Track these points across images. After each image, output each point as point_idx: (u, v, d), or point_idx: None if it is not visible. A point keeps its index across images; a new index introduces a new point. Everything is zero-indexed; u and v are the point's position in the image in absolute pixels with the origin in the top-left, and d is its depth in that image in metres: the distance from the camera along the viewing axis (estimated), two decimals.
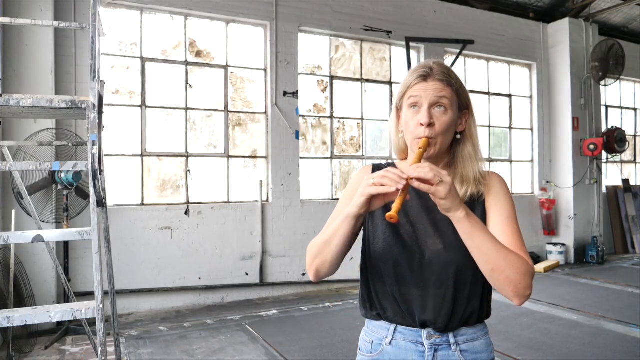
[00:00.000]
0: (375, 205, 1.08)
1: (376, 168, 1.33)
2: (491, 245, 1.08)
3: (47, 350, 3.81)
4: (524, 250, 1.16)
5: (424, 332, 1.21)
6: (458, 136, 1.25)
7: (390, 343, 1.24)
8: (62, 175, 4.03)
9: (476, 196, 1.23)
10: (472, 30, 7.10)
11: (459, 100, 1.22)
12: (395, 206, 1.01)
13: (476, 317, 1.22)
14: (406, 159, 1.33)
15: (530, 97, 7.92)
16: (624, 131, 8.04)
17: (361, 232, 1.30)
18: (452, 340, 1.21)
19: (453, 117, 1.20)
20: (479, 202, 1.23)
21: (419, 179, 1.01)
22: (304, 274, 5.79)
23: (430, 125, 1.17)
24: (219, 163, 5.56)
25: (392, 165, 1.36)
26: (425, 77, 1.19)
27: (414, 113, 1.20)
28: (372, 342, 1.27)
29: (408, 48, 6.57)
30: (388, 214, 1.00)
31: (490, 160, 7.53)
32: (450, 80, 1.20)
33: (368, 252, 1.27)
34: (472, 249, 1.10)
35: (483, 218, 1.22)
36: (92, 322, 3.78)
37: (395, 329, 1.23)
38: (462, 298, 1.19)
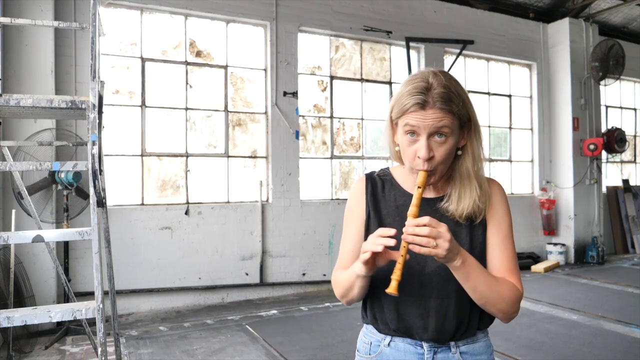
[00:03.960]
0: (380, 263, 1.10)
1: (369, 179, 1.29)
2: (485, 285, 1.12)
3: (47, 350, 3.81)
4: (516, 272, 1.19)
5: None
6: (459, 152, 1.18)
7: (389, 345, 1.23)
8: (62, 175, 4.03)
9: (475, 215, 1.19)
10: (472, 30, 7.10)
11: (461, 121, 1.14)
12: (394, 279, 1.04)
13: (477, 327, 1.22)
14: (403, 164, 1.27)
15: (530, 97, 7.92)
16: (624, 131, 8.04)
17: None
18: (451, 342, 1.20)
19: (454, 142, 1.13)
20: (480, 223, 1.21)
21: (417, 243, 1.03)
22: (304, 274, 5.79)
23: (430, 158, 1.11)
24: (219, 163, 5.56)
25: (387, 171, 1.31)
26: (423, 105, 1.09)
27: (412, 141, 1.12)
28: (371, 343, 1.26)
29: (408, 48, 6.57)
30: (387, 290, 1.03)
31: (490, 160, 7.53)
32: (452, 106, 1.10)
33: None
34: (466, 288, 1.13)
35: (484, 235, 1.21)
36: (92, 322, 3.78)
37: None
38: (463, 312, 1.18)
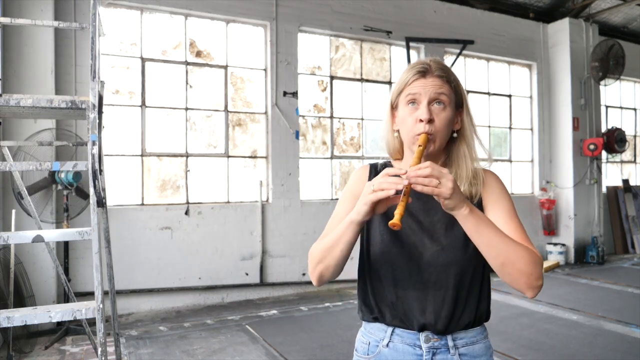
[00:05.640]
0: (379, 210, 1.09)
1: (373, 168, 1.32)
2: (499, 239, 1.07)
3: (47, 350, 3.81)
4: (529, 242, 1.15)
5: (422, 335, 1.19)
6: (454, 134, 1.24)
7: (387, 345, 1.22)
8: (62, 175, 4.03)
9: (472, 197, 1.22)
10: (472, 30, 7.10)
11: (456, 98, 1.22)
12: (397, 213, 1.01)
13: (475, 318, 1.21)
14: (400, 159, 1.31)
15: (530, 97, 7.92)
16: (624, 131, 8.04)
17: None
18: (450, 343, 1.19)
19: (451, 113, 1.19)
20: (476, 204, 1.22)
21: (420, 183, 1.01)
22: (304, 274, 5.79)
23: (430, 121, 1.15)
24: (219, 163, 5.56)
25: (389, 165, 1.34)
26: (423, 73, 1.18)
27: (412, 110, 1.19)
28: (369, 343, 1.26)
29: (408, 48, 6.57)
30: (391, 221, 1.00)
31: (489, 160, 7.52)
32: (449, 76, 1.20)
33: (366, 254, 1.27)
34: (480, 245, 1.09)
35: None
36: (92, 322, 3.78)
37: (392, 331, 1.22)
38: (461, 299, 1.18)
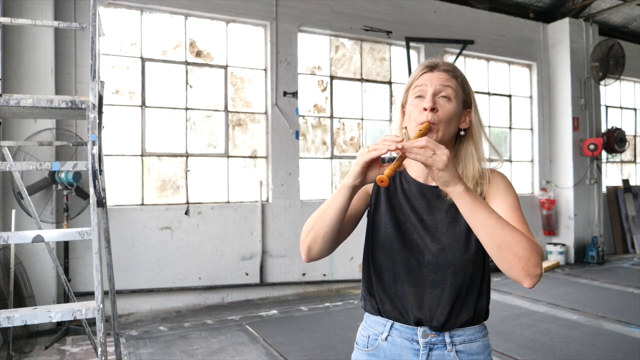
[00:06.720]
0: (371, 176, 1.09)
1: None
2: (495, 221, 1.05)
3: (47, 350, 3.81)
4: (531, 234, 1.12)
5: (420, 330, 1.21)
6: (462, 132, 1.26)
7: (386, 339, 1.24)
8: (62, 175, 4.03)
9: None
10: (472, 30, 7.10)
11: (464, 95, 1.24)
12: (387, 171, 1.02)
13: (473, 318, 1.21)
14: None
15: (530, 97, 7.92)
16: (624, 131, 8.03)
17: (362, 226, 1.32)
18: (447, 340, 1.20)
19: (457, 108, 1.21)
20: None
21: (414, 153, 1.02)
22: (304, 274, 5.79)
23: (433, 110, 1.17)
24: (219, 163, 5.56)
25: (394, 159, 1.35)
26: (431, 68, 1.23)
27: (419, 102, 1.21)
28: (369, 336, 1.28)
29: (408, 48, 6.57)
30: (379, 176, 1.00)
31: (490, 160, 7.51)
32: (456, 72, 1.23)
33: (370, 246, 1.29)
34: (476, 226, 1.06)
35: None
36: (92, 322, 3.79)
37: (391, 325, 1.24)
38: (459, 299, 1.19)
